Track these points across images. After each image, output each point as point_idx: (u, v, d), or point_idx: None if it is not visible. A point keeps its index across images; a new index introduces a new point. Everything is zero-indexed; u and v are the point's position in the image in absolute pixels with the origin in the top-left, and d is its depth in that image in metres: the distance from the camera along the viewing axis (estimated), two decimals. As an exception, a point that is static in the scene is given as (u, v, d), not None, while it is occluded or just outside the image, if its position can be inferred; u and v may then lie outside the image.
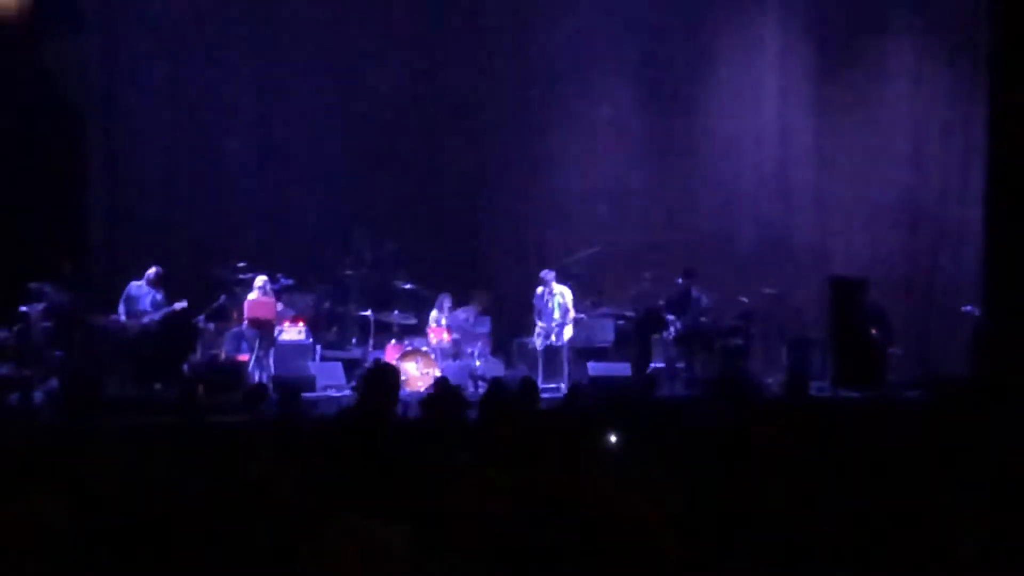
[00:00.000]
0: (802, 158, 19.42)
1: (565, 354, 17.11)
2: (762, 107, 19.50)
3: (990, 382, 14.88)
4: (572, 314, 17.14)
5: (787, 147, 19.45)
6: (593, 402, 10.79)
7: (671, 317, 16.96)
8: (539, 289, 17.25)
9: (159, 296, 16.65)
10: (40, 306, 16.23)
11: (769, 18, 19.45)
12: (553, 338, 17.09)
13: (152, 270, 16.71)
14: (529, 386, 9.76)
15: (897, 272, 18.65)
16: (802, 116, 19.38)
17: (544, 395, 15.61)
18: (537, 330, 17.24)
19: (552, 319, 17.10)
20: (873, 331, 16.50)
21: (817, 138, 19.35)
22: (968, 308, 16.70)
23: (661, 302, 17.26)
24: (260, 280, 16.70)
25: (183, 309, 16.60)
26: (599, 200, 19.29)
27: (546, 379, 16.76)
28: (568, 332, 17.14)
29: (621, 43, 19.42)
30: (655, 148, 19.55)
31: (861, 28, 19.16)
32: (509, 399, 7.75)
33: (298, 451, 6.32)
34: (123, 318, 16.54)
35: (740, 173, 19.51)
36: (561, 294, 17.14)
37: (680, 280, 17.18)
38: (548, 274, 17.22)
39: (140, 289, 16.69)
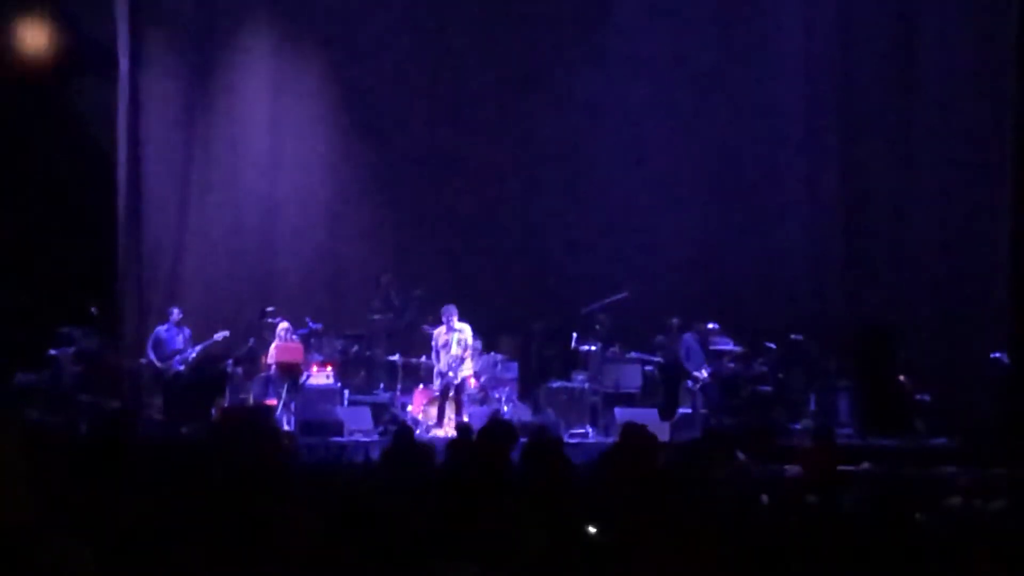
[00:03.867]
0: (831, 205, 19.40)
1: (465, 391, 16.61)
2: (787, 151, 19.52)
3: (1019, 429, 14.86)
4: (470, 351, 16.53)
5: (816, 195, 19.44)
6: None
7: (698, 373, 16.90)
8: (439, 329, 16.60)
9: (188, 333, 16.84)
10: (70, 350, 16.34)
11: (797, 69, 19.50)
12: (451, 374, 16.40)
13: (175, 310, 16.92)
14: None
15: (926, 318, 18.54)
16: (830, 163, 19.39)
17: (572, 440, 15.68)
18: (435, 371, 16.62)
19: (451, 355, 16.41)
20: (901, 377, 16.43)
21: (846, 185, 19.32)
22: (997, 355, 16.63)
23: (682, 359, 17.16)
24: (283, 327, 16.76)
25: (224, 339, 16.75)
26: (627, 246, 19.27)
27: (571, 425, 16.72)
28: (465, 370, 16.55)
29: (659, 85, 19.49)
30: (683, 193, 19.53)
31: (891, 79, 19.17)
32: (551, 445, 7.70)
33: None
34: (157, 363, 16.67)
35: (767, 218, 19.48)
36: (461, 330, 16.52)
37: (687, 335, 17.18)
38: (449, 308, 16.53)
39: (169, 332, 16.85)
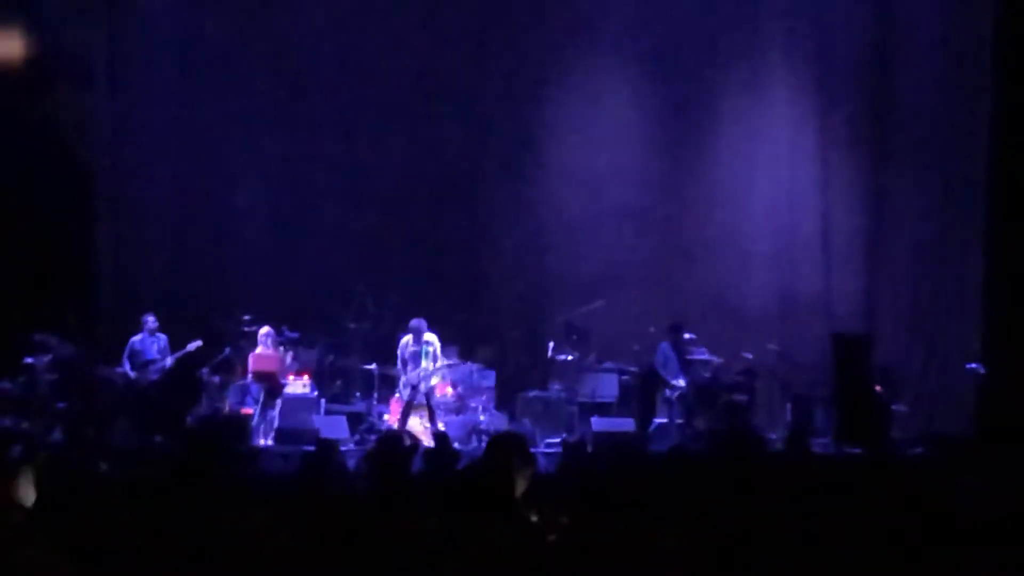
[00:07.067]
0: (808, 212, 19.46)
1: (434, 399, 16.59)
2: (768, 163, 19.55)
3: (994, 440, 14.92)
4: (442, 362, 16.54)
5: (793, 202, 19.50)
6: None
7: (675, 381, 16.90)
8: (406, 339, 16.54)
9: (163, 341, 16.79)
10: (45, 358, 16.26)
11: (776, 75, 19.56)
12: (422, 386, 16.36)
13: (150, 318, 16.85)
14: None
15: (902, 328, 18.62)
16: (808, 171, 19.44)
17: (548, 450, 15.68)
18: (402, 381, 16.55)
19: (420, 367, 16.35)
20: (877, 388, 16.49)
21: (822, 192, 19.39)
22: (973, 366, 16.70)
23: (659, 367, 17.17)
24: (264, 331, 16.73)
25: (198, 348, 16.71)
26: (603, 255, 19.28)
27: (547, 433, 16.73)
28: (435, 380, 16.61)
29: (627, 98, 19.54)
30: (660, 202, 19.57)
31: (866, 87, 19.27)
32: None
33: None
34: (131, 373, 16.62)
35: (745, 227, 19.51)
36: (430, 342, 16.47)
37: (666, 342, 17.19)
38: (419, 323, 16.49)
39: (143, 342, 16.81)
